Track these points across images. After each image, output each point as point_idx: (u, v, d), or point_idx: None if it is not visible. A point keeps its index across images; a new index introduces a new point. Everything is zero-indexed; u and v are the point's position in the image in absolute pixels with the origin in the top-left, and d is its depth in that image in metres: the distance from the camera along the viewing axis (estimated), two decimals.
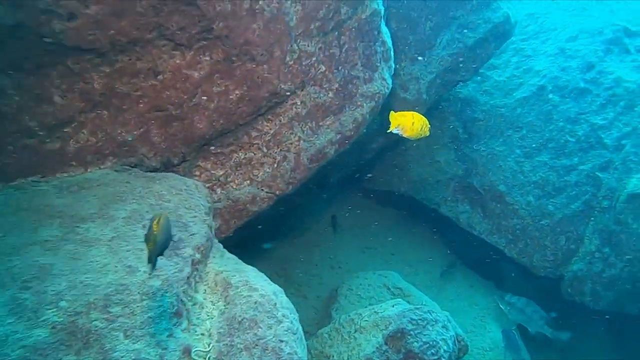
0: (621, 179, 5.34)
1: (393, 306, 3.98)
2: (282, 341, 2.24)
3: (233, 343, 2.11)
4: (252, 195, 3.22)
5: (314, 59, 3.22)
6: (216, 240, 2.84)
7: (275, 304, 2.37)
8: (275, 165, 3.26)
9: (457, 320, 5.60)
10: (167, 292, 2.04)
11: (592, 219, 5.43)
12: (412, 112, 2.87)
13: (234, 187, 3.20)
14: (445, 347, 3.77)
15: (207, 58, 2.82)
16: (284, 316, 2.36)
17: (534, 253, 5.50)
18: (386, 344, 3.68)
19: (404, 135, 2.84)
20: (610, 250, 5.33)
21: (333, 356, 3.80)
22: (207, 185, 3.11)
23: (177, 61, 2.76)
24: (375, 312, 3.95)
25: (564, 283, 5.53)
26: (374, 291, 5.23)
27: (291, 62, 3.07)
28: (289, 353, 2.21)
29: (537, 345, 5.65)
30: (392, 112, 2.82)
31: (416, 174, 6.35)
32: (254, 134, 3.20)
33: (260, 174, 3.25)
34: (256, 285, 2.42)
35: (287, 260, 6.06)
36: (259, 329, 2.21)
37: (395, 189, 6.51)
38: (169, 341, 1.93)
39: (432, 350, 3.71)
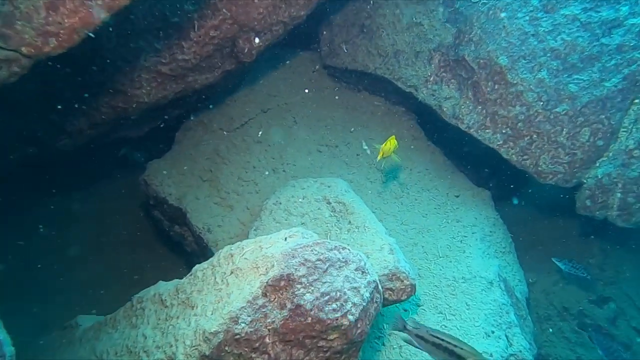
0: None
1: (286, 239, 2.76)
2: None
3: None
4: None
5: None
6: None
7: None
8: None
9: (429, 241, 4.39)
10: None
11: (637, 101, 3.74)
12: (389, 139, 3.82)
13: None
14: (355, 300, 2.59)
15: None
16: None
17: (541, 153, 4.00)
18: (264, 295, 2.54)
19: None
20: None
21: (197, 307, 2.73)
22: None
23: None
24: (259, 246, 2.77)
25: (581, 194, 4.08)
26: (308, 206, 4.01)
27: None
28: None
29: None
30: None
31: (390, 43, 4.67)
32: None
33: None
34: None
35: (215, 160, 4.87)
36: None
37: (362, 66, 4.91)
38: None
39: (334, 305, 2.56)
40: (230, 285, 2.70)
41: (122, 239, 5.19)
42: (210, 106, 4.74)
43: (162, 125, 4.77)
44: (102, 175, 5.20)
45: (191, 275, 3.00)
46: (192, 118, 5.10)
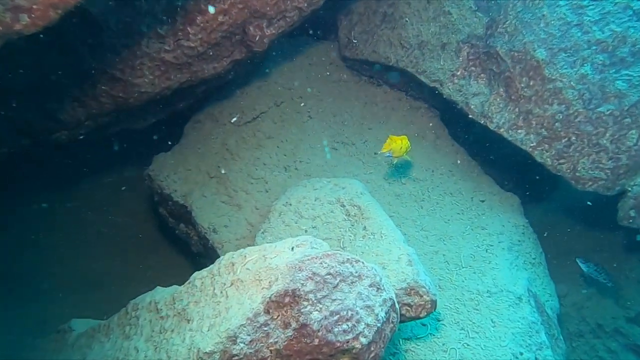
0: None
1: (292, 248, 2.48)
2: None
3: None
4: None
5: None
6: None
7: None
8: None
9: (451, 249, 4.07)
10: None
11: None
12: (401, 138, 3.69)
13: None
14: (369, 320, 2.31)
15: None
16: None
17: (580, 157, 3.63)
18: (267, 312, 2.27)
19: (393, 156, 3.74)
20: None
21: (193, 321, 2.48)
22: None
23: None
24: (263, 255, 2.50)
25: (625, 203, 3.71)
26: (321, 208, 3.74)
27: None
28: None
29: None
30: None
31: (414, 33, 4.34)
32: None
33: None
34: None
35: (224, 155, 4.62)
36: None
37: (383, 58, 4.59)
38: None
39: (345, 326, 2.28)
40: (230, 298, 2.44)
41: (126, 237, 5.00)
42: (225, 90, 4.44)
43: (169, 117, 4.54)
44: (105, 169, 5.01)
45: (189, 283, 2.75)
46: (206, 108, 4.85)
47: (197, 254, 4.61)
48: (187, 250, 4.78)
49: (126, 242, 4.98)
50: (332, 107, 5.03)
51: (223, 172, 4.44)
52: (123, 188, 4.90)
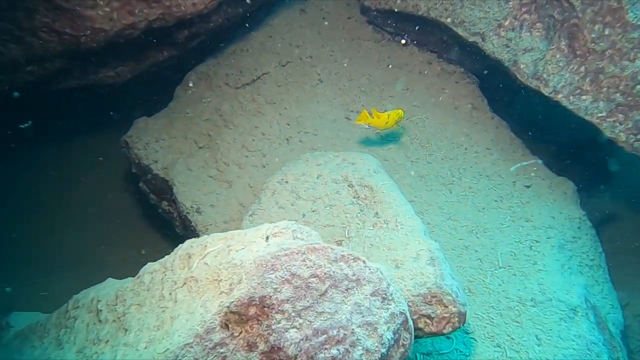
0: None
1: (267, 237, 1.81)
2: None
3: None
4: None
5: None
6: None
7: None
8: None
9: (486, 245, 3.34)
10: None
11: None
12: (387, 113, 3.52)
13: None
14: (369, 343, 1.65)
15: None
16: None
17: None
18: (224, 327, 1.63)
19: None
20: None
21: (131, 332, 1.86)
22: None
23: None
24: (227, 246, 1.85)
25: None
26: (324, 188, 3.06)
27: None
28: None
29: None
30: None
31: None
32: None
33: None
34: None
35: (216, 122, 4.00)
36: None
37: (412, 7, 3.84)
38: None
39: (335, 351, 1.63)
40: (179, 303, 1.80)
41: (104, 213, 4.44)
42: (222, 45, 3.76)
43: (155, 75, 3.91)
44: (81, 134, 4.44)
45: (138, 278, 2.13)
46: (198, 66, 4.22)
47: (183, 237, 4.02)
48: (174, 232, 4.20)
49: (103, 219, 4.44)
50: (348, 69, 4.33)
51: (210, 134, 3.83)
52: (100, 158, 4.32)
